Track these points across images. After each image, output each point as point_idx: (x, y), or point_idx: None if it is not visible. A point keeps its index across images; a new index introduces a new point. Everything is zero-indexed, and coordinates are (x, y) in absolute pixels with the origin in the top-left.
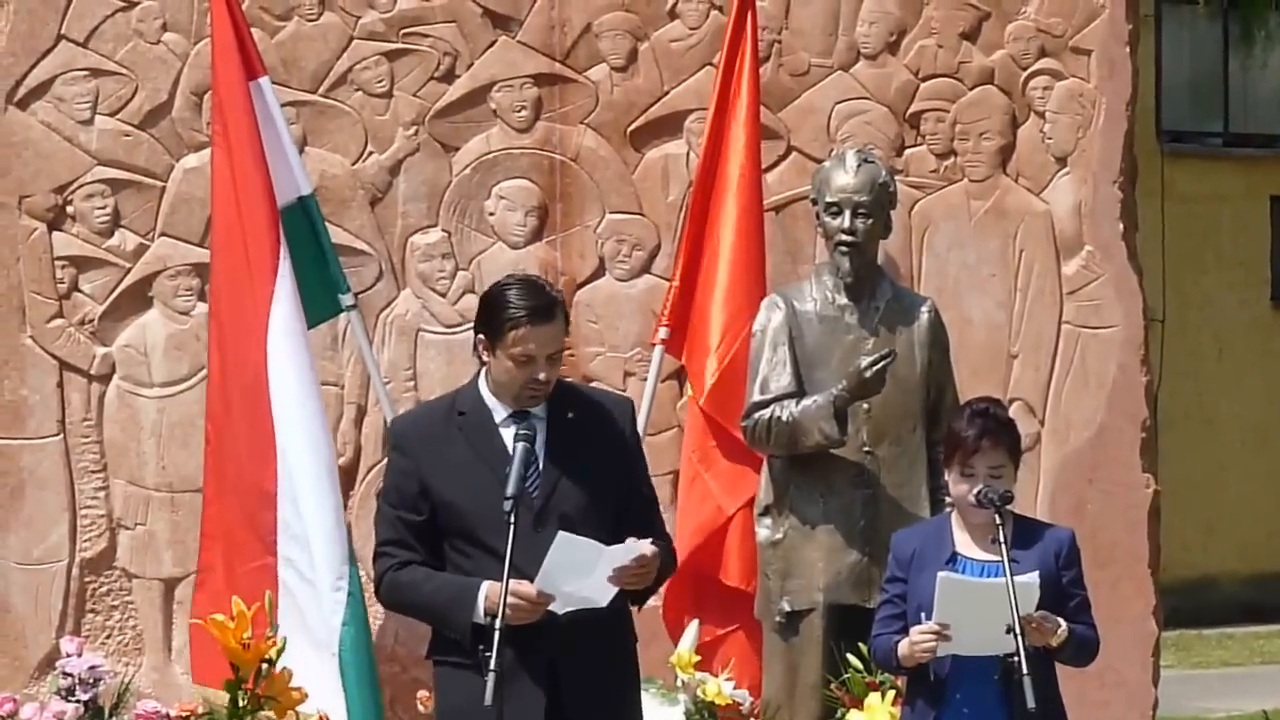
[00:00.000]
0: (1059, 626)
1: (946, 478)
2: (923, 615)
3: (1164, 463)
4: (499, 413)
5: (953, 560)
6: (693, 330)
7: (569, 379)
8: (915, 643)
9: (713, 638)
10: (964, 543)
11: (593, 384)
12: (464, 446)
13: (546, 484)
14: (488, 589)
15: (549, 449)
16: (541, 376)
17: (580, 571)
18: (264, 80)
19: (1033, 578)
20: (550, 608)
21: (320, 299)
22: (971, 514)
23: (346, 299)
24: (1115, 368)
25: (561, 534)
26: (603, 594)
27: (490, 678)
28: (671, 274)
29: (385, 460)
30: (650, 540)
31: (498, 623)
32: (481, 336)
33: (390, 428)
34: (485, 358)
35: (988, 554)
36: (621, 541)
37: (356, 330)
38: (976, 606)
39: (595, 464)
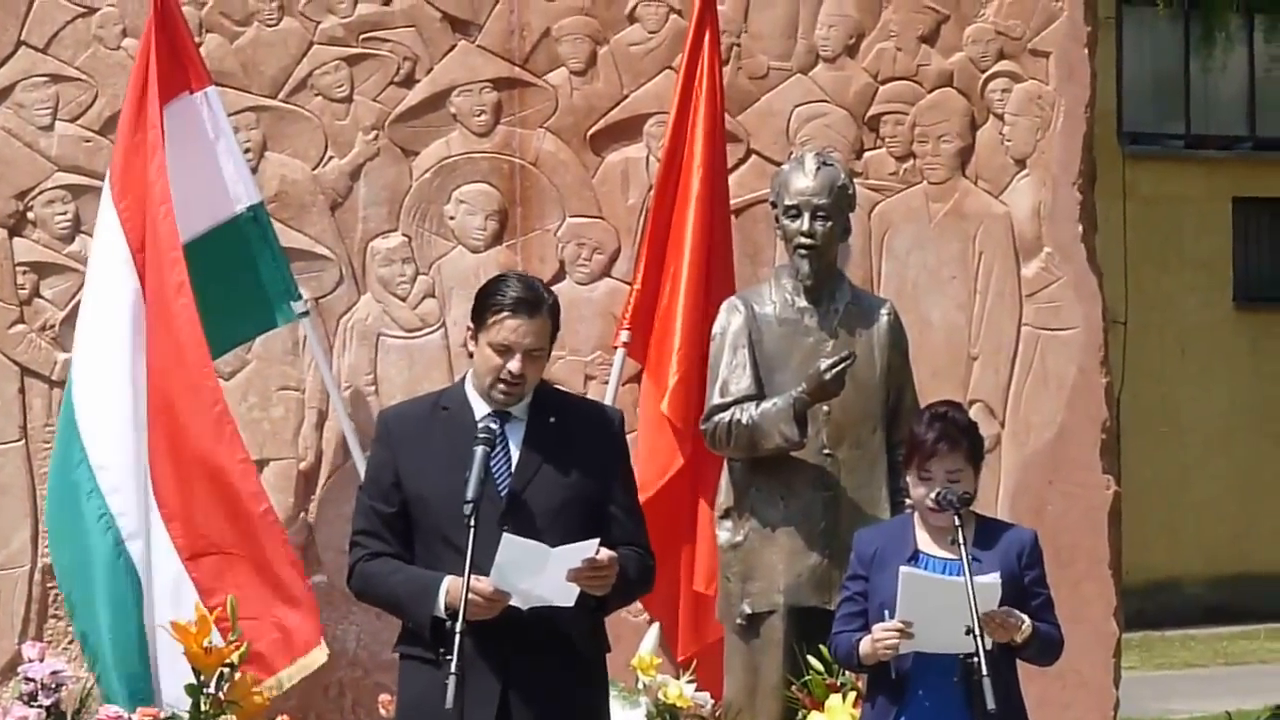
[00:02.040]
0: (1023, 623)
1: (905, 480)
2: (885, 613)
3: (1127, 464)
4: (479, 410)
5: (915, 558)
6: (657, 335)
7: (557, 385)
8: (878, 640)
9: (702, 647)
10: (926, 542)
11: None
12: (441, 442)
13: (517, 484)
14: (448, 584)
15: (524, 450)
16: (514, 368)
17: (532, 571)
18: (210, 90)
19: (994, 578)
20: (513, 603)
21: (272, 307)
22: (931, 516)
23: (299, 306)
24: (1075, 369)
25: (506, 536)
26: (565, 594)
27: (451, 680)
28: (632, 277)
29: (349, 463)
30: (630, 549)
31: (458, 625)
32: (470, 326)
33: (377, 418)
34: (471, 348)
35: (950, 553)
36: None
37: (311, 336)
38: (938, 603)
39: (570, 469)
